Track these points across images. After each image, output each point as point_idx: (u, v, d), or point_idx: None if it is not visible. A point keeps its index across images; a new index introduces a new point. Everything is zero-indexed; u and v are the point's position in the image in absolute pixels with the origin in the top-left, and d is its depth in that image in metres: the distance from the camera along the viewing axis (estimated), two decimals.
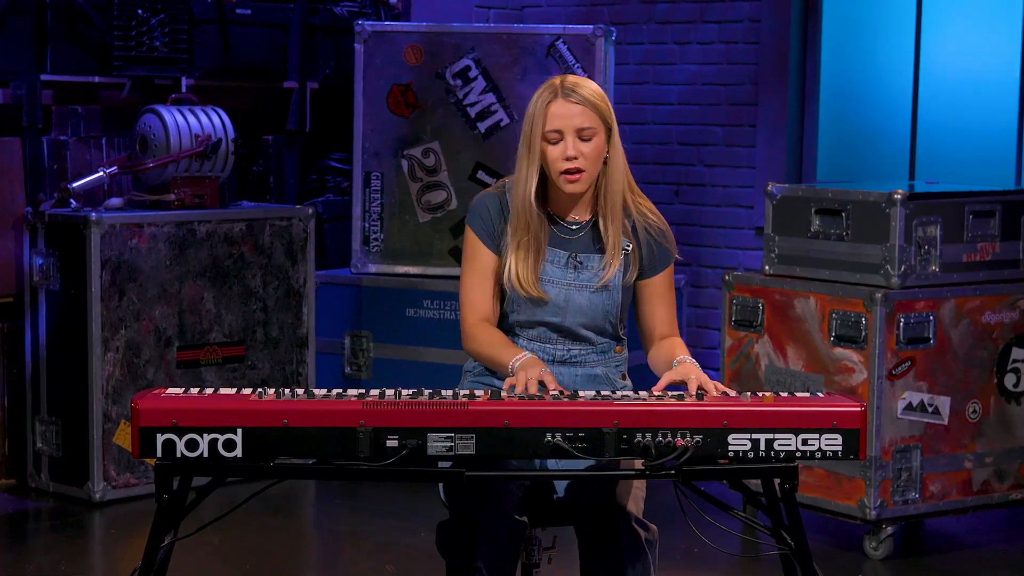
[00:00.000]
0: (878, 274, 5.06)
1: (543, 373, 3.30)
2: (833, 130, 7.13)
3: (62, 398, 5.70)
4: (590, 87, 3.48)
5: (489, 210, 3.56)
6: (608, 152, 3.50)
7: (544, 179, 3.52)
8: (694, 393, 3.24)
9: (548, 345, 3.55)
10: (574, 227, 3.56)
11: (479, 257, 3.56)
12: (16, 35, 5.87)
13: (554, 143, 3.45)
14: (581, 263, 3.53)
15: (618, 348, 3.61)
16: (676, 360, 3.43)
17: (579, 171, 3.45)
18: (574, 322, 3.53)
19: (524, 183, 3.48)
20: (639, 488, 3.41)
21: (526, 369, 3.32)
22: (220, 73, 6.50)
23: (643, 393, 3.24)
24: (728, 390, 3.27)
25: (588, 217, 3.56)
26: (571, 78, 3.49)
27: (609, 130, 3.48)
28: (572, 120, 3.44)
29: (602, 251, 3.53)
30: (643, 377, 3.70)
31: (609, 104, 3.50)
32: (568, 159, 3.44)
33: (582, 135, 3.45)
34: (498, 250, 3.54)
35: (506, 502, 3.32)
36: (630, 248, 3.55)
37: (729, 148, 7.21)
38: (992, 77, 6.72)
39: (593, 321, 3.54)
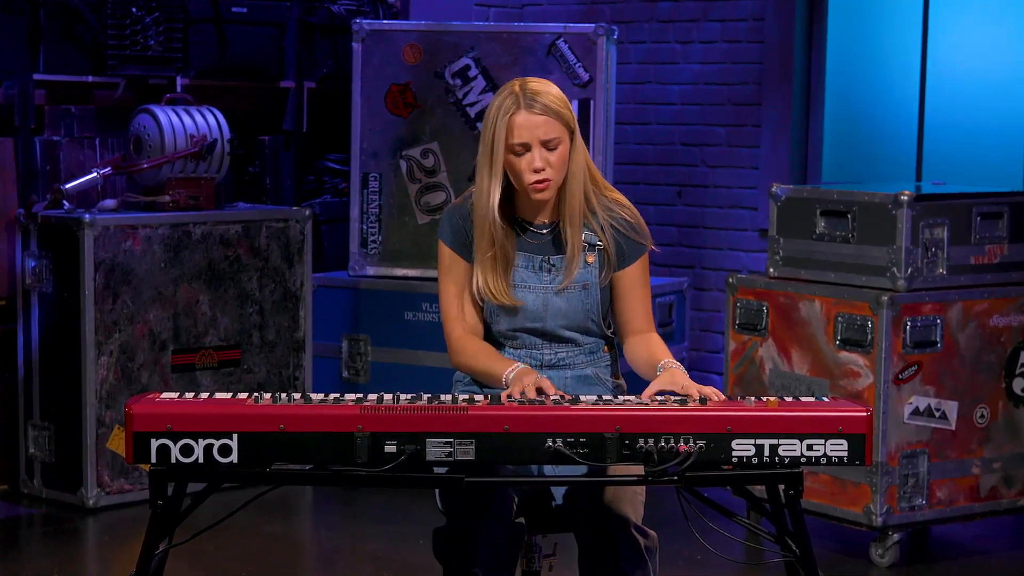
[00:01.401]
0: (884, 276, 5.05)
1: (540, 379, 3.30)
2: (838, 130, 7.13)
3: (55, 402, 5.69)
4: (552, 93, 3.47)
5: (459, 222, 3.57)
6: (570, 155, 3.49)
7: (508, 185, 3.51)
8: (697, 399, 3.23)
9: (535, 351, 3.55)
10: (544, 231, 3.57)
11: (455, 269, 3.57)
12: (9, 34, 5.87)
13: (519, 155, 3.45)
14: (554, 266, 3.54)
15: (607, 348, 3.61)
16: (660, 365, 3.42)
17: (547, 180, 3.46)
18: (555, 325, 3.54)
19: (487, 195, 3.48)
20: (639, 494, 3.41)
21: (521, 379, 3.32)
22: (216, 72, 6.50)
23: (645, 397, 3.24)
24: (719, 394, 3.26)
25: (555, 219, 3.57)
26: (531, 84, 3.47)
27: (571, 134, 3.48)
28: (536, 131, 3.43)
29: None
30: (640, 379, 3.70)
31: (570, 107, 3.50)
32: (536, 171, 3.44)
33: (548, 145, 3.44)
34: (472, 260, 3.55)
35: (503, 507, 3.32)
36: (602, 246, 3.55)
37: (732, 149, 7.21)
38: (1000, 76, 6.72)
39: (574, 322, 3.54)
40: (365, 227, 6.32)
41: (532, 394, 3.24)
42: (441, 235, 3.60)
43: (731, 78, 7.18)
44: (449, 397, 3.19)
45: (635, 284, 3.58)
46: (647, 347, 3.52)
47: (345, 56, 6.71)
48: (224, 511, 3.38)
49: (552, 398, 3.22)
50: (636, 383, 3.61)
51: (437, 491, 3.41)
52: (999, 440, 5.22)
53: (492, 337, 3.58)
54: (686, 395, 3.25)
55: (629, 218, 3.58)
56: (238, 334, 5.96)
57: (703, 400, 3.20)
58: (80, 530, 5.51)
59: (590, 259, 3.54)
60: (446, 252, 3.59)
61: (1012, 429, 5.24)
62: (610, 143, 6.24)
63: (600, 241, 3.54)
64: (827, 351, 5.13)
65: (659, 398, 3.24)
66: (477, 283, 3.52)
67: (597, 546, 3.36)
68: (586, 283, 3.54)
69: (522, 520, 3.38)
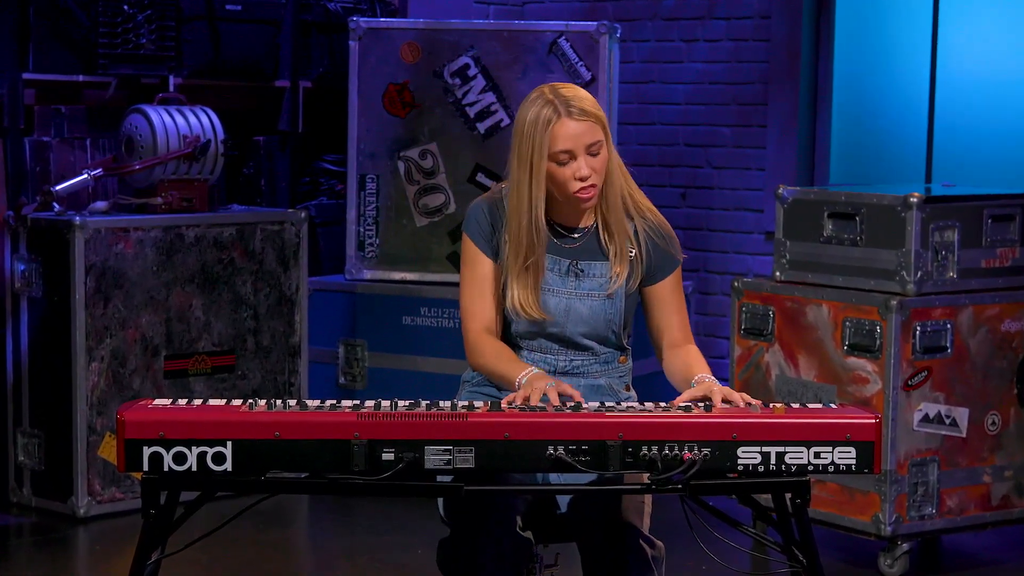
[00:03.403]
0: (893, 280, 5.06)
1: (549, 388, 3.29)
2: (846, 131, 7.14)
3: (45, 409, 5.69)
4: (586, 97, 3.46)
5: (487, 216, 3.57)
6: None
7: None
8: (718, 404, 3.23)
9: (550, 356, 3.55)
10: (576, 235, 3.57)
11: (478, 265, 3.57)
12: None
13: (563, 164, 3.44)
14: (582, 271, 3.54)
15: (622, 358, 3.61)
16: (695, 379, 3.42)
17: (593, 186, 3.46)
18: (575, 331, 3.54)
19: (532, 207, 3.46)
20: (645, 503, 3.41)
21: (532, 384, 3.32)
22: (209, 71, 6.50)
23: (648, 404, 3.24)
24: (752, 400, 3.26)
25: (590, 223, 3.57)
26: (563, 91, 3.46)
27: (606, 136, 3.49)
28: (581, 139, 3.43)
29: (604, 258, 3.54)
30: (649, 387, 3.70)
31: (601, 108, 3.50)
32: (582, 179, 3.44)
33: (591, 150, 3.44)
34: (496, 257, 3.55)
35: (509, 518, 3.32)
36: (634, 254, 3.55)
37: (738, 149, 7.21)
38: (1012, 76, 6.73)
39: (595, 330, 3.54)
40: (362, 230, 6.33)
41: (536, 399, 3.24)
42: (467, 227, 3.59)
43: (737, 77, 7.19)
44: (448, 404, 3.19)
45: (669, 297, 3.58)
46: (685, 361, 3.51)
47: (342, 55, 6.72)
48: (218, 520, 3.38)
49: (554, 405, 3.22)
50: (646, 394, 3.62)
51: (440, 501, 3.41)
52: (1011, 448, 5.22)
53: (509, 337, 3.58)
54: (711, 399, 3.25)
55: (662, 227, 3.58)
56: (232, 339, 5.96)
57: (708, 406, 3.21)
58: (71, 540, 5.52)
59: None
60: (470, 246, 3.58)
61: None
62: None
63: (632, 250, 3.54)
64: (835, 356, 5.13)
65: (663, 404, 3.24)
66: (511, 299, 3.50)
67: (603, 557, 3.36)
68: (611, 292, 3.54)
69: (529, 535, 3.37)
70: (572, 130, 3.42)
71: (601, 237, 3.55)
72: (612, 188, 3.52)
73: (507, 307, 3.53)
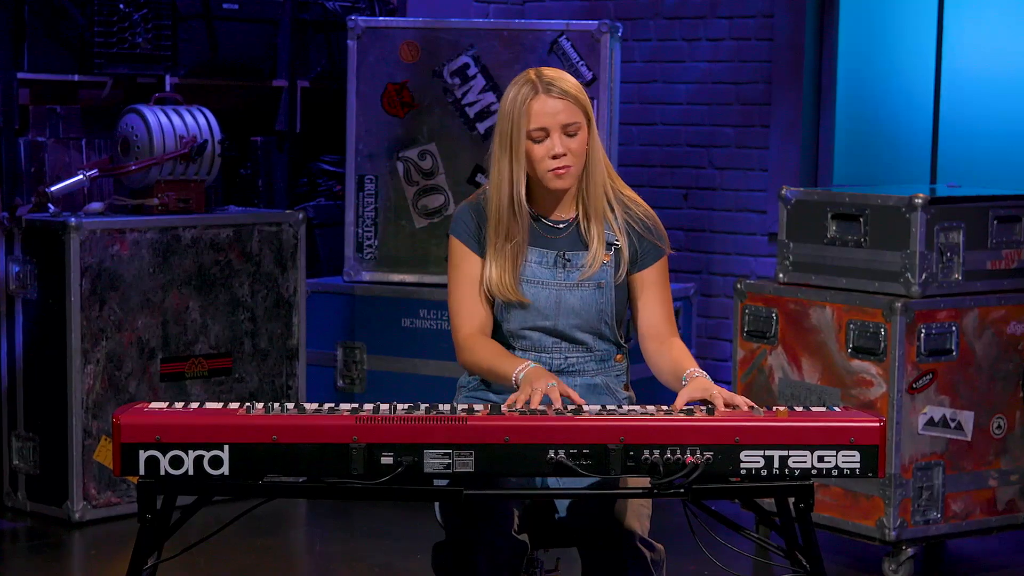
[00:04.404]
0: (898, 282, 5.06)
1: (550, 388, 3.29)
2: (850, 131, 7.14)
3: (40, 413, 5.69)
4: (568, 79, 3.52)
5: (473, 217, 3.58)
6: (588, 145, 3.52)
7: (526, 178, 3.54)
8: (723, 407, 3.23)
9: (544, 355, 3.55)
10: (561, 225, 3.58)
11: (467, 265, 3.57)
12: None
13: (539, 141, 3.48)
14: (569, 261, 3.55)
15: (618, 356, 3.61)
16: (686, 375, 3.42)
17: (567, 167, 3.48)
18: (567, 324, 3.54)
19: (512, 184, 3.50)
20: (644, 507, 3.41)
21: (531, 381, 3.32)
22: (206, 71, 6.50)
23: (650, 407, 3.24)
24: (754, 404, 3.26)
25: (573, 215, 3.58)
26: (547, 72, 3.52)
27: (589, 122, 3.51)
28: (557, 117, 3.47)
29: (588, 248, 3.55)
30: (649, 390, 3.70)
31: (587, 95, 3.53)
32: (555, 156, 3.46)
33: (567, 131, 3.48)
34: (484, 256, 3.56)
35: (505, 521, 3.32)
36: (620, 244, 3.56)
37: (741, 150, 7.21)
38: (1017, 75, 6.72)
39: (587, 322, 3.55)
40: (361, 231, 6.33)
41: (537, 401, 3.24)
42: (453, 230, 3.60)
43: (739, 77, 7.19)
44: (448, 407, 3.19)
45: (653, 286, 3.58)
46: (671, 355, 3.52)
47: (340, 54, 6.72)
48: (215, 524, 3.38)
49: (555, 408, 3.22)
50: (645, 396, 3.62)
51: (436, 504, 3.41)
52: (1016, 451, 5.22)
53: (502, 337, 3.58)
54: (713, 403, 3.25)
55: (646, 218, 3.59)
56: (229, 342, 5.96)
57: (710, 409, 3.21)
58: (66, 545, 5.52)
59: (606, 258, 3.55)
60: (458, 247, 3.59)
61: None
62: (614, 144, 6.25)
63: (617, 240, 3.55)
64: (838, 359, 5.13)
65: (664, 407, 3.24)
66: (488, 277, 3.52)
67: (603, 561, 3.36)
68: (600, 282, 3.54)
69: (525, 537, 3.38)
70: (548, 107, 3.46)
71: (583, 227, 3.56)
72: (593, 178, 3.54)
73: (485, 285, 3.53)
